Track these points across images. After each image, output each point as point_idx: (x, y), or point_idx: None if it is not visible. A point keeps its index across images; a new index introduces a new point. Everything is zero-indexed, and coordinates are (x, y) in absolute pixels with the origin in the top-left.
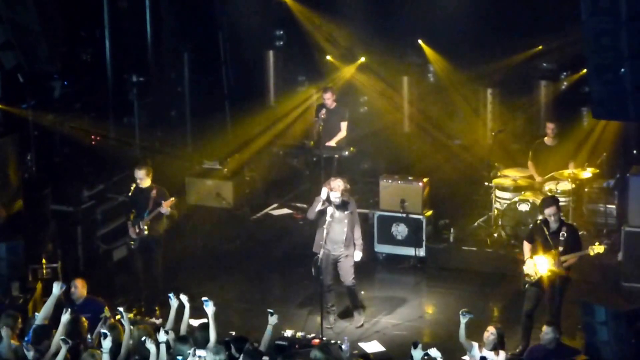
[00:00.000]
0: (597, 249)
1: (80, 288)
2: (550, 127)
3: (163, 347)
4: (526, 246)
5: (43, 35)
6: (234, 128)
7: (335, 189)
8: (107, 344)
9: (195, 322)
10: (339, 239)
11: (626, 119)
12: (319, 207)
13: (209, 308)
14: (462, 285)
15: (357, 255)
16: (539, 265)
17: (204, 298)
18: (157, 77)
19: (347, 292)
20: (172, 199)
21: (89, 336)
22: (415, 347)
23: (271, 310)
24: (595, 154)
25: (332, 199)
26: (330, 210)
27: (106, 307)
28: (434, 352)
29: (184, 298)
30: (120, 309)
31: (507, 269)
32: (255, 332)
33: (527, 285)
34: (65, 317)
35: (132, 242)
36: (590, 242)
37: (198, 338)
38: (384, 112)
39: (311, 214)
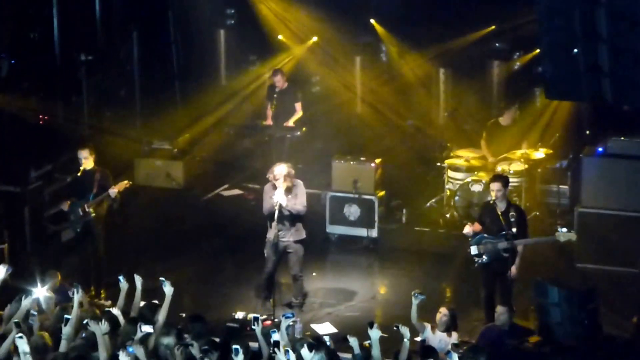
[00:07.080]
0: (569, 236)
1: (59, 280)
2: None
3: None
4: (476, 227)
5: None
6: (184, 107)
7: (277, 176)
8: (67, 330)
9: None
10: (287, 224)
11: (579, 99)
12: (270, 205)
13: (167, 288)
14: (414, 266)
15: (282, 199)
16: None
17: (161, 278)
18: (106, 56)
19: (292, 282)
20: (126, 181)
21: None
22: (371, 327)
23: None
24: (548, 135)
25: (277, 186)
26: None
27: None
28: (404, 329)
29: (138, 279)
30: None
31: (459, 250)
32: (207, 312)
33: (477, 266)
34: (26, 302)
35: (76, 225)
36: (544, 222)
37: (146, 314)
38: (336, 92)
39: (265, 210)
